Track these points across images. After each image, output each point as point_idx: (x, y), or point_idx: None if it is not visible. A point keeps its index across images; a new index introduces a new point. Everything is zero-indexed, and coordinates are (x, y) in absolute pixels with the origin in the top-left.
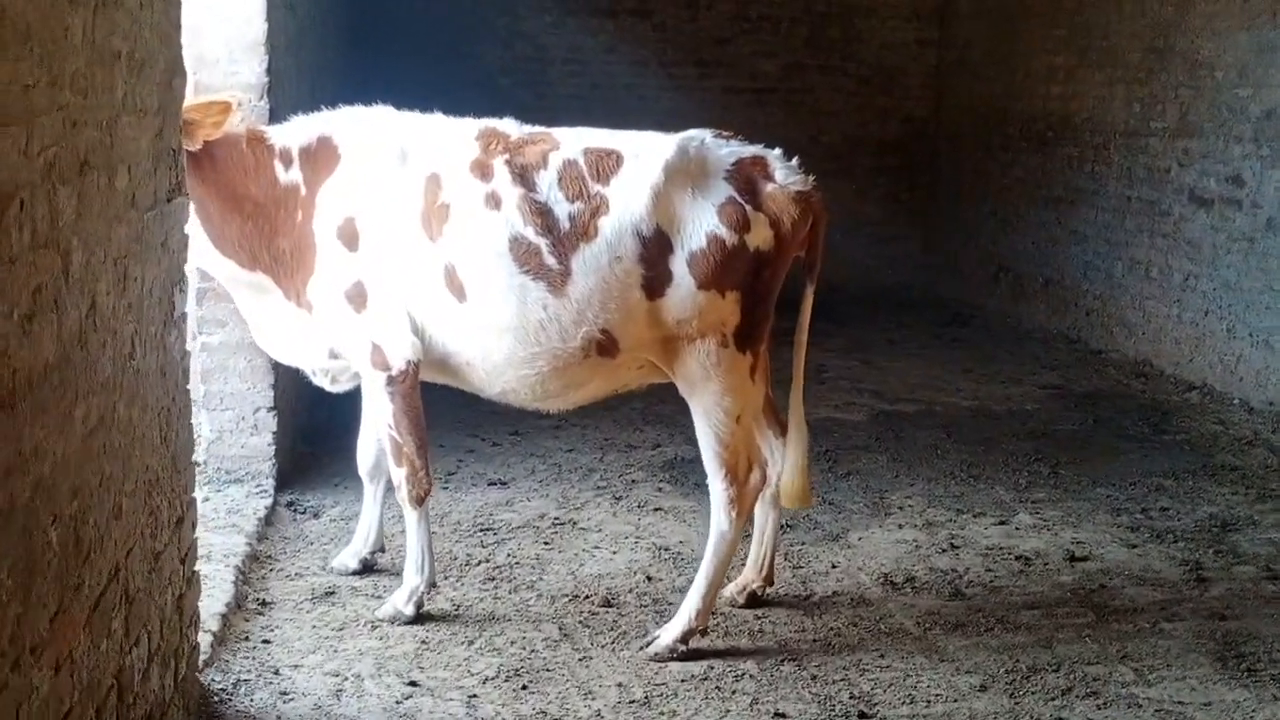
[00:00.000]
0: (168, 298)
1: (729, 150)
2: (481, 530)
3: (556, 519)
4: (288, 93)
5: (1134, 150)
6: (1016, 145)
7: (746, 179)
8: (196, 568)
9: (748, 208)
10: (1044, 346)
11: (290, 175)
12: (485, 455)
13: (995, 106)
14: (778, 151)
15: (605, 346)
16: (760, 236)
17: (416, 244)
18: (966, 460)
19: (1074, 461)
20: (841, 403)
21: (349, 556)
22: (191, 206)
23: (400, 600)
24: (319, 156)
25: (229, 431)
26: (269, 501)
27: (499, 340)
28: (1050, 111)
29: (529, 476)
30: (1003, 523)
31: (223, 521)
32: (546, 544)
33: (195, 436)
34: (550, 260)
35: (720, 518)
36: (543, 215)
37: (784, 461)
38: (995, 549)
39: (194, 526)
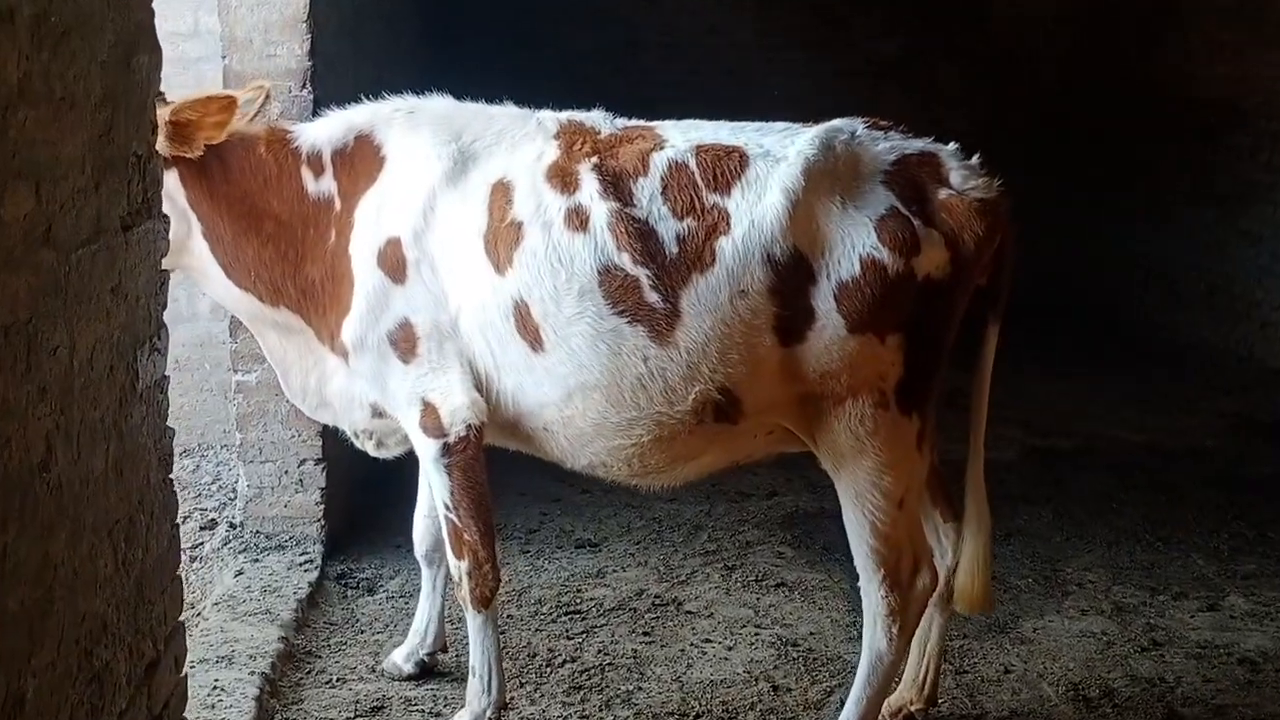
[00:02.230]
0: (127, 365)
1: (888, 145)
2: (567, 614)
3: (657, 599)
4: (341, 81)
5: None
6: (1171, 134)
7: (913, 184)
8: (186, 713)
9: (916, 222)
10: (1211, 364)
11: (321, 185)
12: (573, 507)
13: (1144, 90)
14: (952, 146)
15: (724, 410)
16: (932, 260)
17: (479, 275)
18: (1148, 516)
19: None
20: (986, 438)
21: (403, 657)
22: (198, 227)
23: None
24: (357, 161)
25: (269, 488)
26: (314, 575)
27: (585, 402)
28: (1214, 96)
29: (623, 536)
30: (1211, 608)
31: (255, 605)
32: (646, 635)
33: (230, 493)
34: (652, 297)
35: (877, 634)
36: (643, 237)
37: (958, 553)
38: (1209, 648)
39: (180, 663)
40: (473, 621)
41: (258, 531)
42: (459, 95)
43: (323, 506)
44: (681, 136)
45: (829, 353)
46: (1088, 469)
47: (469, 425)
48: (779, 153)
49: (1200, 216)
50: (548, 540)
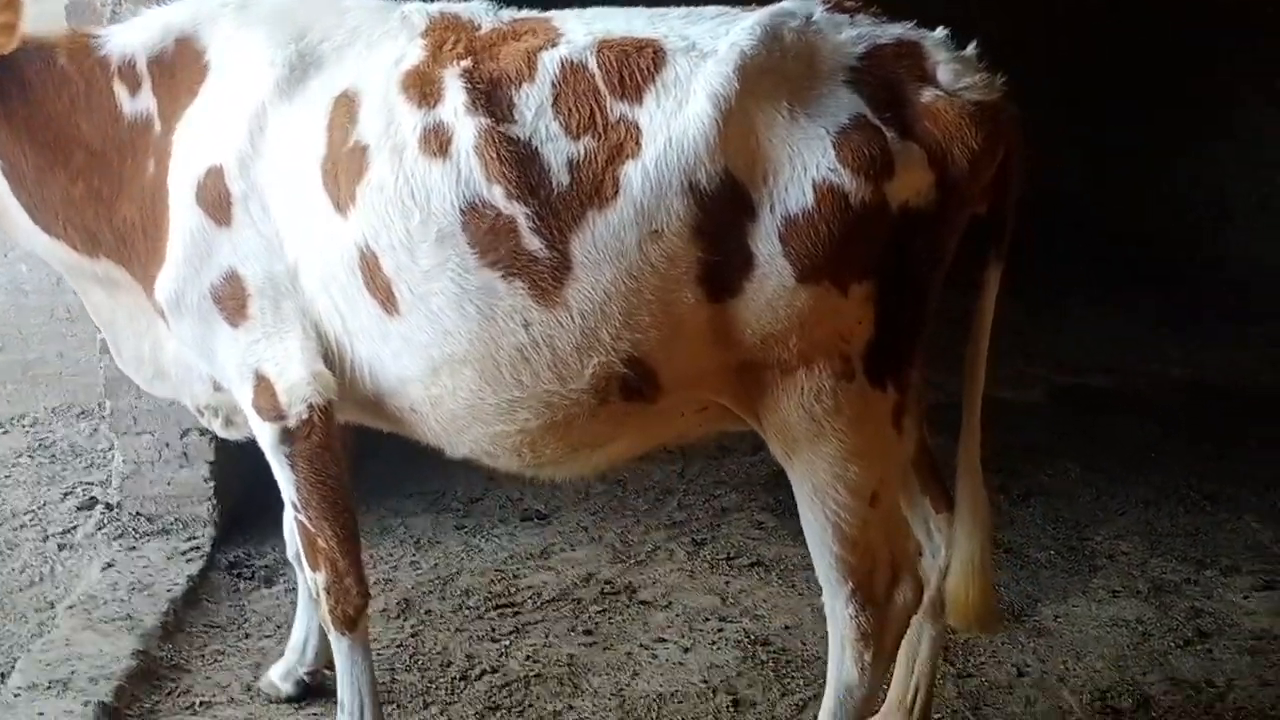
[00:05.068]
0: None
1: (854, 34)
2: (497, 608)
3: (607, 584)
4: None
5: None
6: (1214, 26)
7: (887, 83)
8: None
9: (889, 134)
10: (1263, 289)
11: (138, 103)
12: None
13: None
14: (940, 33)
15: (635, 386)
16: (911, 184)
17: (318, 214)
18: (1193, 471)
19: None
20: (1008, 376)
21: (280, 676)
22: None
23: None
24: (178, 70)
25: (148, 463)
26: (199, 566)
27: (454, 378)
28: None
29: (579, 504)
30: (1268, 585)
31: (116, 608)
32: (587, 634)
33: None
34: (534, 243)
35: (845, 663)
36: (521, 164)
37: (950, 553)
38: (1267, 638)
39: None
40: (337, 645)
41: (137, 513)
42: None
43: (213, 484)
44: (583, 29)
45: (773, 309)
46: (1122, 413)
47: (311, 405)
48: (707, 46)
49: (1249, 120)
50: (489, 512)
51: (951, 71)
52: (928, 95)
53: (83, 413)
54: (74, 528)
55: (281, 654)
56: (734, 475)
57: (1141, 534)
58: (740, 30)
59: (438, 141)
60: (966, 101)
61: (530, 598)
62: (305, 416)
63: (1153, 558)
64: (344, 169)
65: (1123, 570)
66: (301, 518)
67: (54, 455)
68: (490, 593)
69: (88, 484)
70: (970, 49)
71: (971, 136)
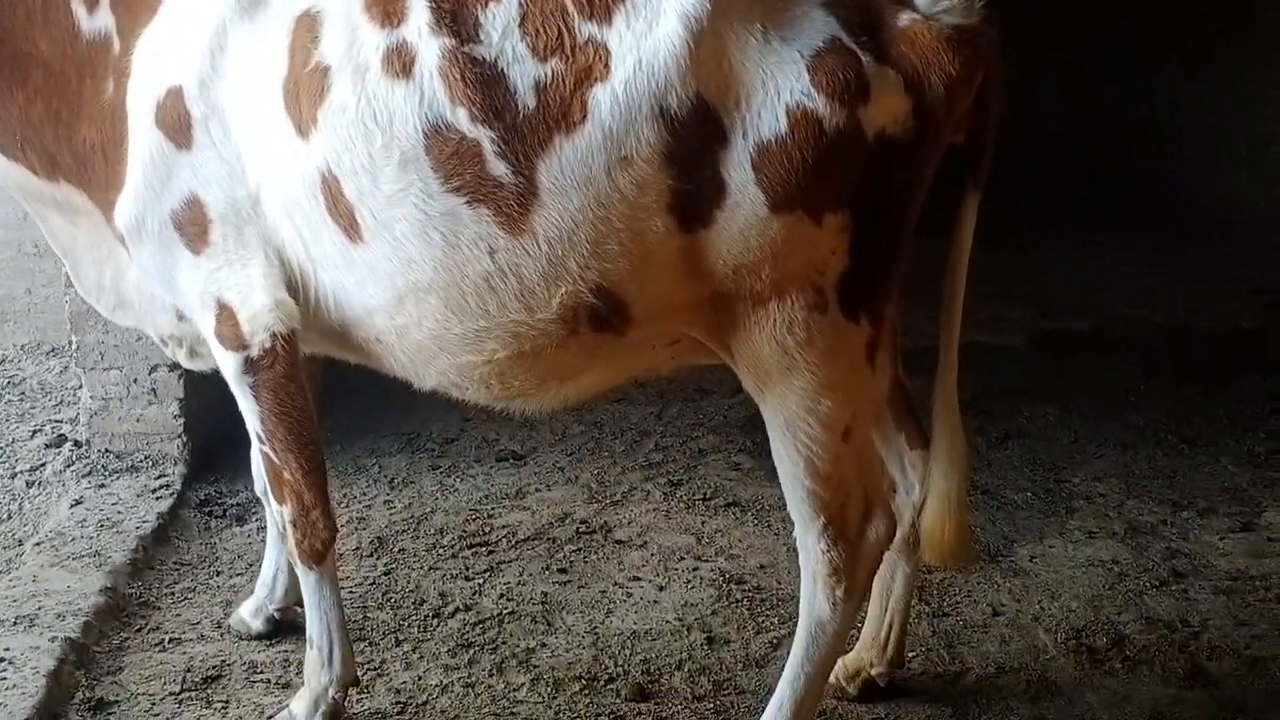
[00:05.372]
0: None
1: None
2: (471, 547)
3: (582, 524)
4: None
5: None
6: None
7: (862, 6)
8: None
9: (865, 58)
10: (1253, 231)
11: (97, 21)
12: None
13: None
14: None
15: (604, 317)
16: (888, 110)
17: (280, 138)
18: (1173, 413)
19: None
20: (987, 318)
21: (251, 613)
22: None
23: (301, 710)
24: None
25: (116, 400)
26: (169, 504)
27: (420, 308)
28: None
29: (555, 445)
30: (1245, 527)
31: (84, 545)
32: (562, 573)
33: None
34: (499, 168)
35: (817, 598)
36: (486, 86)
37: (926, 489)
38: (1242, 579)
39: None
40: (305, 580)
41: (107, 450)
42: None
43: (183, 420)
44: None
45: (745, 239)
46: (1103, 356)
47: (274, 334)
48: None
49: (1238, 58)
50: (465, 452)
51: None
52: (905, 18)
53: (52, 350)
54: (42, 465)
55: (253, 591)
56: (711, 417)
57: (1119, 476)
58: None
59: (400, 62)
60: (944, 25)
61: (505, 537)
62: (268, 345)
63: (1129, 499)
64: (305, 90)
65: (1099, 511)
66: (266, 450)
67: (23, 393)
68: (464, 532)
69: (57, 421)
70: None
71: (949, 61)
